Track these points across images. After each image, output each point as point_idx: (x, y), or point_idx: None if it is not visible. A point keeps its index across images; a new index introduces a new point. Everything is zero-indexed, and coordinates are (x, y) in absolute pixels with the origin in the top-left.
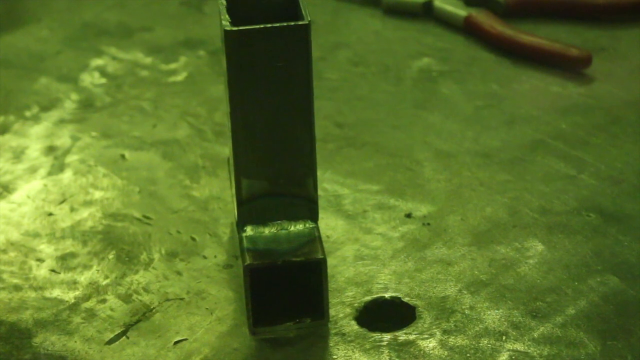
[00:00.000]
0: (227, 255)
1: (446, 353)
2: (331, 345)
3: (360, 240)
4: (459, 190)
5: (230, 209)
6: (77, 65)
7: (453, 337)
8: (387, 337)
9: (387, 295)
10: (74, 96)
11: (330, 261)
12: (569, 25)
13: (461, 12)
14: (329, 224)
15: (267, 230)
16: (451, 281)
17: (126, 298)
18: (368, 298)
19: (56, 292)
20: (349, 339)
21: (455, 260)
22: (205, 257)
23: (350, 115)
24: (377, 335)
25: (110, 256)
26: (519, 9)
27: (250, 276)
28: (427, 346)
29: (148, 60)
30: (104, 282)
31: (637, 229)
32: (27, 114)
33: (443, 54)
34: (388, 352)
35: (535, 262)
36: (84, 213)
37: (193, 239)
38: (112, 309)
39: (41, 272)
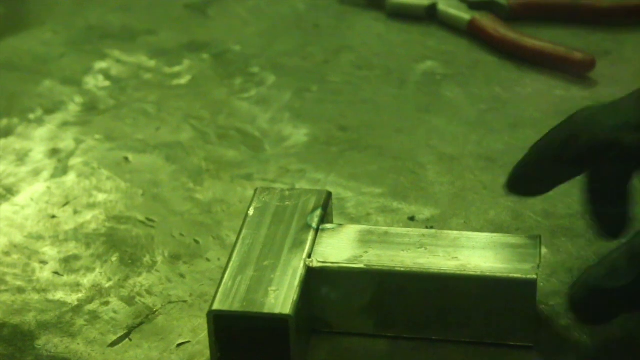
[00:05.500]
0: None
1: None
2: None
3: None
4: (463, 194)
5: (233, 212)
6: (80, 68)
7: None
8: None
9: None
10: (78, 99)
11: None
12: (573, 28)
13: (465, 15)
14: None
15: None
16: None
17: (129, 300)
18: None
19: (59, 295)
20: None
21: None
22: (208, 260)
23: (353, 118)
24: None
25: (114, 259)
26: (523, 12)
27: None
28: (432, 345)
29: (152, 63)
30: (107, 285)
31: None
32: (31, 116)
33: (447, 57)
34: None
35: None
36: (87, 215)
37: (196, 241)
38: (115, 312)
39: (44, 274)
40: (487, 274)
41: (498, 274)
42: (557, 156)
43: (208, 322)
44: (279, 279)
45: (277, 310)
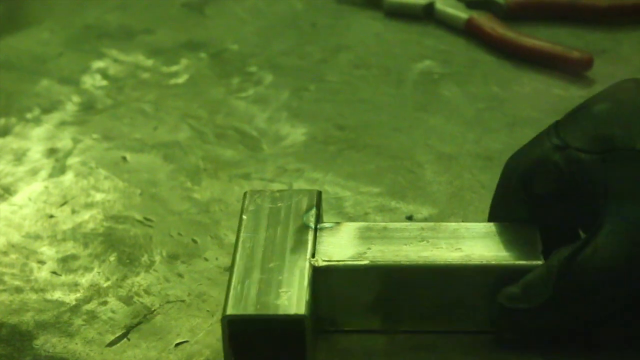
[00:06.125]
0: (228, 258)
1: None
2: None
3: None
4: (460, 193)
5: (231, 211)
6: (78, 68)
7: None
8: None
9: None
10: (75, 98)
11: None
12: (570, 27)
13: (462, 14)
14: None
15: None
16: None
17: (127, 300)
18: None
19: (57, 294)
20: None
21: None
22: (206, 260)
23: (351, 117)
24: None
25: (112, 258)
26: (520, 11)
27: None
28: (431, 344)
29: (149, 62)
30: (105, 284)
31: None
32: (29, 116)
33: (444, 57)
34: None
35: None
36: (85, 215)
37: (194, 241)
38: (113, 311)
39: (42, 274)
40: (493, 262)
41: (503, 262)
42: (507, 191)
43: (222, 328)
44: (287, 280)
45: (292, 311)
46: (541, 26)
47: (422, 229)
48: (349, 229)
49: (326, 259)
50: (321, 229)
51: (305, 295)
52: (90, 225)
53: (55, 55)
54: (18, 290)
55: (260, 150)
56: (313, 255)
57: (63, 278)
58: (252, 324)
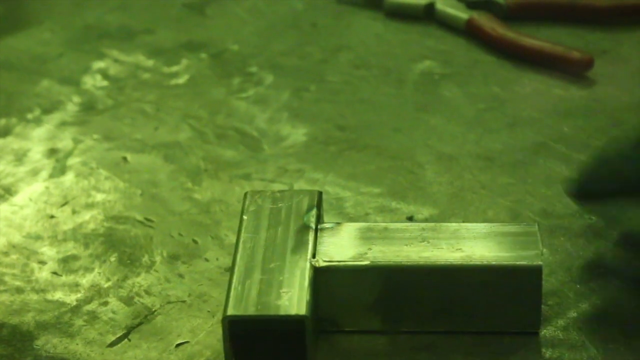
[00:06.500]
0: (229, 258)
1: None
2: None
3: None
4: (461, 193)
5: (232, 211)
6: (79, 68)
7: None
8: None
9: None
10: (76, 99)
11: None
12: (571, 27)
13: (463, 14)
14: None
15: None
16: None
17: (128, 301)
18: None
19: (58, 295)
20: None
21: None
22: (207, 260)
23: (352, 117)
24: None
25: (112, 259)
26: (521, 11)
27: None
28: (431, 344)
29: (150, 62)
30: (106, 285)
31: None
32: (29, 116)
33: (445, 57)
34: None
35: None
36: (86, 215)
37: (195, 241)
38: (113, 312)
39: (43, 274)
40: (494, 263)
41: (504, 263)
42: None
43: (223, 328)
44: (288, 280)
45: (292, 312)
46: (541, 26)
47: (423, 229)
48: (350, 229)
49: (327, 260)
50: (322, 229)
51: (305, 296)
52: (91, 226)
53: (56, 55)
54: (19, 290)
55: (260, 150)
56: (314, 256)
57: (64, 278)
58: (253, 325)
